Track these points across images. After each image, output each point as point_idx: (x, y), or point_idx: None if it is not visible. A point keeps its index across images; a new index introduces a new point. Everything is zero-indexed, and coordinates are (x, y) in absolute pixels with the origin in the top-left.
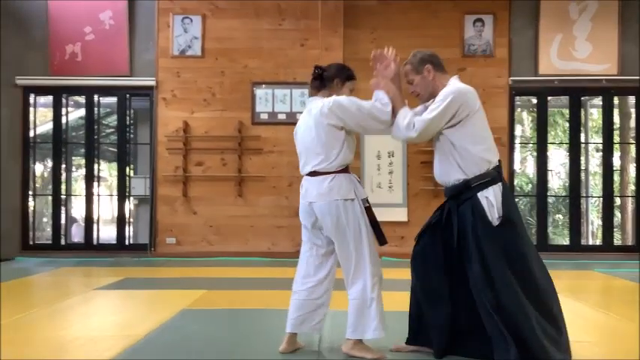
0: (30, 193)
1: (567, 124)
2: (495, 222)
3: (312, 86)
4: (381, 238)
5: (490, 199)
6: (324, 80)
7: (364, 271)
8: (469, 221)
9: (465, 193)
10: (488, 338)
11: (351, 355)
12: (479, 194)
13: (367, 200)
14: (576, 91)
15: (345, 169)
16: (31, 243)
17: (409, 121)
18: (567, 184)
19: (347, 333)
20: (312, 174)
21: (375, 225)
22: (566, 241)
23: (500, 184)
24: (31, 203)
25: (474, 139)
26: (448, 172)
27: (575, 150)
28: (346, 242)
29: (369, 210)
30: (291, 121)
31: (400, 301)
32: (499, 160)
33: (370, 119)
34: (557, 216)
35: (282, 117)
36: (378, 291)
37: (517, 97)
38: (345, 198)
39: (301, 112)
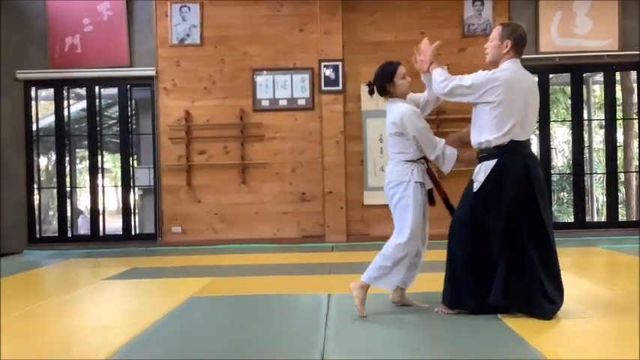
0: (35, 186)
1: (569, 102)
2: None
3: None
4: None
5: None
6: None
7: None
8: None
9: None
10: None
11: (352, 292)
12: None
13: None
14: (578, 68)
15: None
16: (37, 236)
17: (444, 79)
18: (571, 162)
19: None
20: None
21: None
22: (570, 219)
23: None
24: (36, 197)
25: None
26: None
27: (578, 127)
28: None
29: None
30: (292, 106)
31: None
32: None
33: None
34: (562, 194)
35: (283, 103)
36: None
37: None
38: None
39: (302, 98)
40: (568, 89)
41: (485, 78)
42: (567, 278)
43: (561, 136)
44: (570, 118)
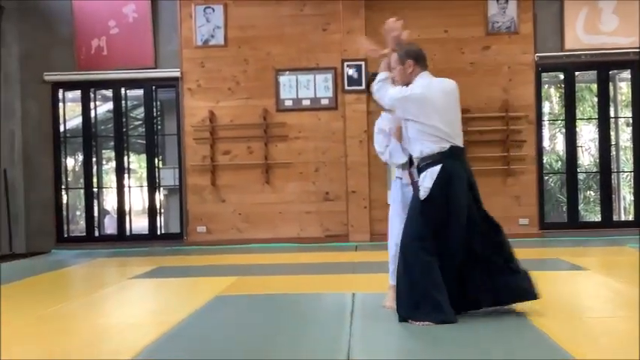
0: (62, 187)
1: (596, 99)
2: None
3: None
4: None
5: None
6: None
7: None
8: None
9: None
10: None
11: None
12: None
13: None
14: (604, 65)
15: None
16: (65, 236)
17: (381, 84)
18: (597, 160)
19: None
20: None
21: None
22: (597, 218)
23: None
24: (64, 197)
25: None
26: None
27: (604, 125)
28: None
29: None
30: (316, 106)
31: None
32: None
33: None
34: (588, 192)
35: (306, 103)
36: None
37: (544, 74)
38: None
39: (325, 97)
40: (594, 87)
41: (397, 98)
42: (595, 277)
43: (588, 134)
44: (597, 116)
